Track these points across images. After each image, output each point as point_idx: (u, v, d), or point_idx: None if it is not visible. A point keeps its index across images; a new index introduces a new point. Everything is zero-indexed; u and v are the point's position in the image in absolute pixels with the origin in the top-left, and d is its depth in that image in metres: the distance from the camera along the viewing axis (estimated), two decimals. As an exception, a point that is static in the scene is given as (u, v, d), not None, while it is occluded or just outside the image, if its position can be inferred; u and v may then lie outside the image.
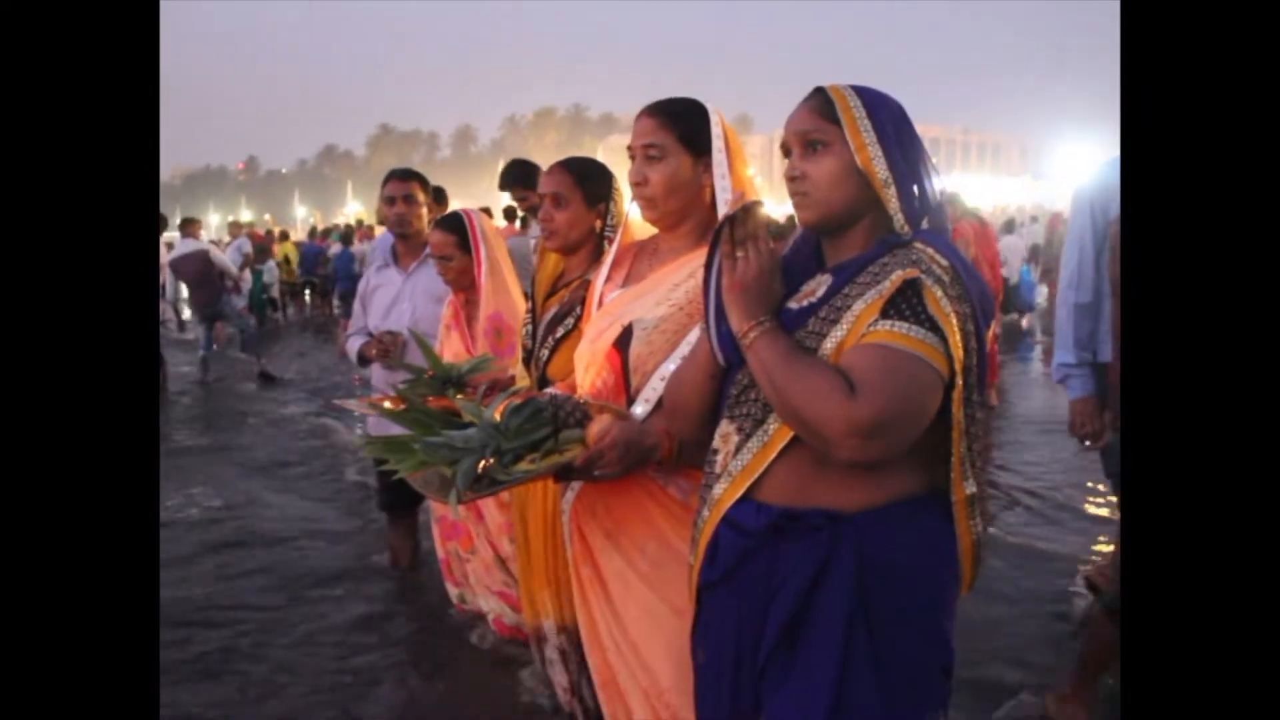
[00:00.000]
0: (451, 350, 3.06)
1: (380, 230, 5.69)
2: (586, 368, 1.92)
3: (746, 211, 1.41)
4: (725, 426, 1.48)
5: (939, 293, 1.31)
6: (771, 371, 1.34)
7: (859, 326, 1.33)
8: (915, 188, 1.40)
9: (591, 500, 1.86)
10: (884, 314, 1.32)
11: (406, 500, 3.71)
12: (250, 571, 4.10)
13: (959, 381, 1.31)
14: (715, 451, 1.49)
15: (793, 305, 1.43)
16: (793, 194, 1.43)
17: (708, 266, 1.47)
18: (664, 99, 1.87)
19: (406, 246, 3.61)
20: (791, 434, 1.37)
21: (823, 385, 1.28)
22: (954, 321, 1.30)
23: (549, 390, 1.96)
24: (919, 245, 1.38)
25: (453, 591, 3.24)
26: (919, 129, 1.44)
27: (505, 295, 2.98)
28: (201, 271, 9.28)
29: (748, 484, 1.42)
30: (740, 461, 1.43)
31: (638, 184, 1.84)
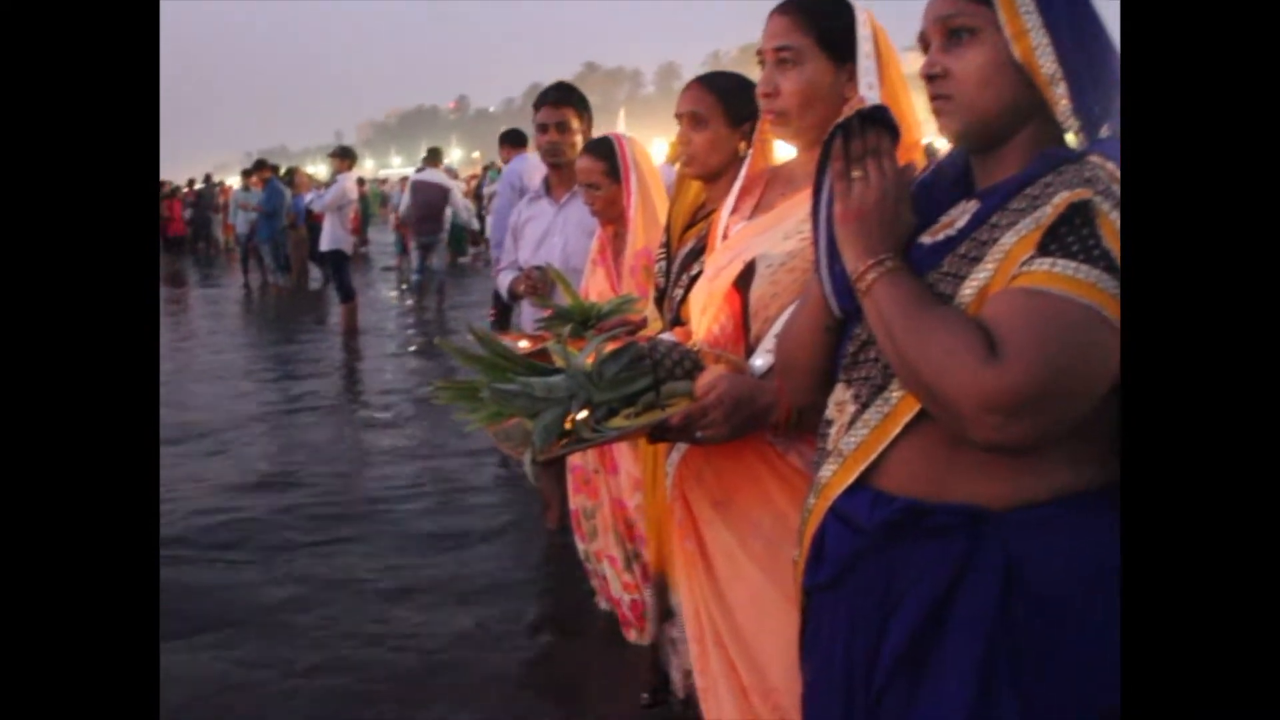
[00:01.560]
0: (596, 288, 2.96)
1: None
2: (702, 310, 1.77)
3: (866, 118, 1.18)
4: (840, 392, 1.28)
5: (1119, 221, 1.03)
6: (891, 324, 1.12)
7: (1009, 265, 1.08)
8: (1092, 85, 1.12)
9: (699, 464, 1.73)
10: (1042, 249, 1.06)
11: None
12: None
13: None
14: (828, 423, 1.30)
15: (926, 239, 1.19)
16: (932, 97, 1.19)
17: (816, 190, 1.25)
18: None
19: (559, 176, 3.55)
20: (919, 406, 1.15)
21: (953, 343, 1.05)
22: None
23: (653, 333, 1.80)
24: (1095, 159, 1.10)
25: (580, 548, 3.14)
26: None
27: (657, 230, 2.82)
28: (435, 203, 9.92)
29: (862, 467, 1.21)
30: (854, 438, 1.23)
31: (768, 94, 1.66)
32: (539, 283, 3.29)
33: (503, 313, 6.95)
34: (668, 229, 2.30)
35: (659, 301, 2.28)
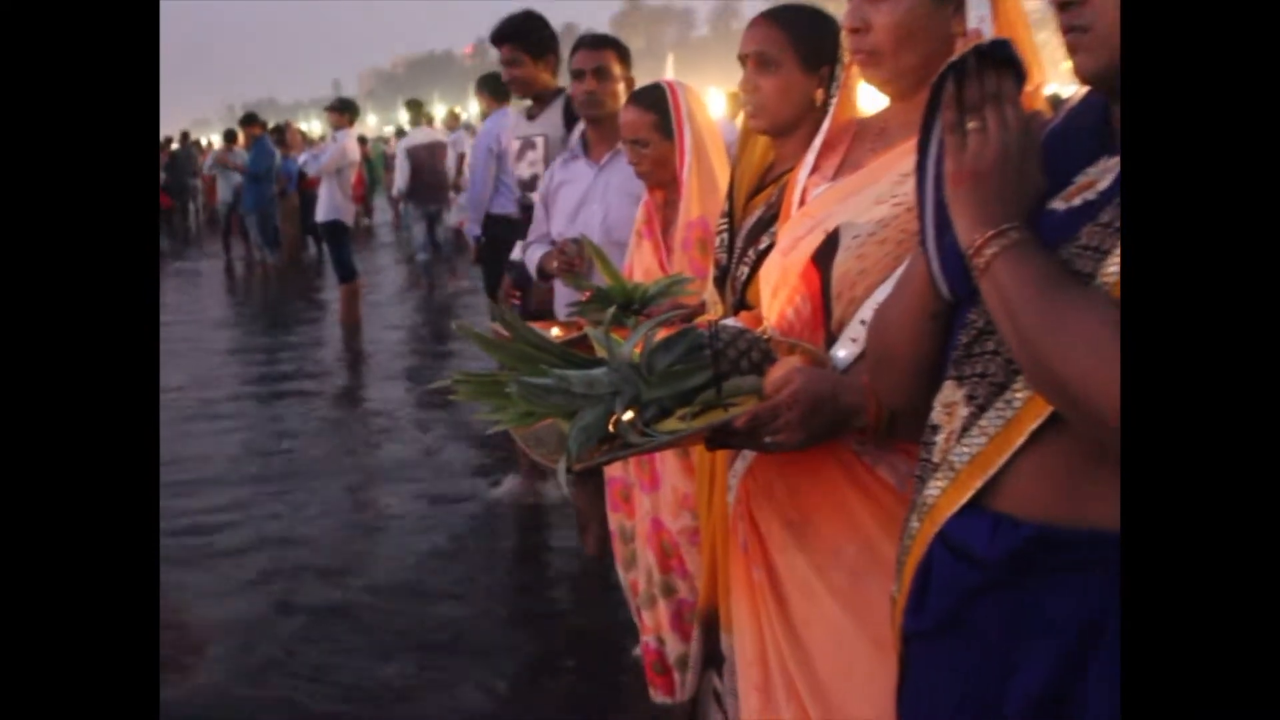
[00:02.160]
0: (642, 265, 2.98)
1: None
2: (774, 291, 1.79)
3: (983, 57, 1.17)
4: (950, 392, 1.28)
5: None
6: (1017, 310, 1.12)
7: None
8: None
9: (769, 478, 1.74)
10: None
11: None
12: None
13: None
14: (935, 429, 1.29)
15: (1059, 205, 1.18)
16: (1064, 29, 1.17)
17: (921, 145, 1.25)
18: None
19: (599, 132, 3.58)
20: (1050, 409, 1.15)
21: (1095, 333, 1.05)
22: None
23: (713, 319, 1.80)
24: None
25: (623, 578, 3.15)
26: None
27: (716, 196, 2.84)
28: (435, 167, 10.08)
29: (978, 484, 1.21)
30: (968, 449, 1.23)
31: (856, 30, 1.67)
32: (574, 258, 3.31)
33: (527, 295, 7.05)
34: (730, 195, 2.31)
35: (720, 281, 2.29)
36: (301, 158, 13.08)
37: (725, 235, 2.28)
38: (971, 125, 1.18)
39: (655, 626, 2.77)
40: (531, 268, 3.71)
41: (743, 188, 2.28)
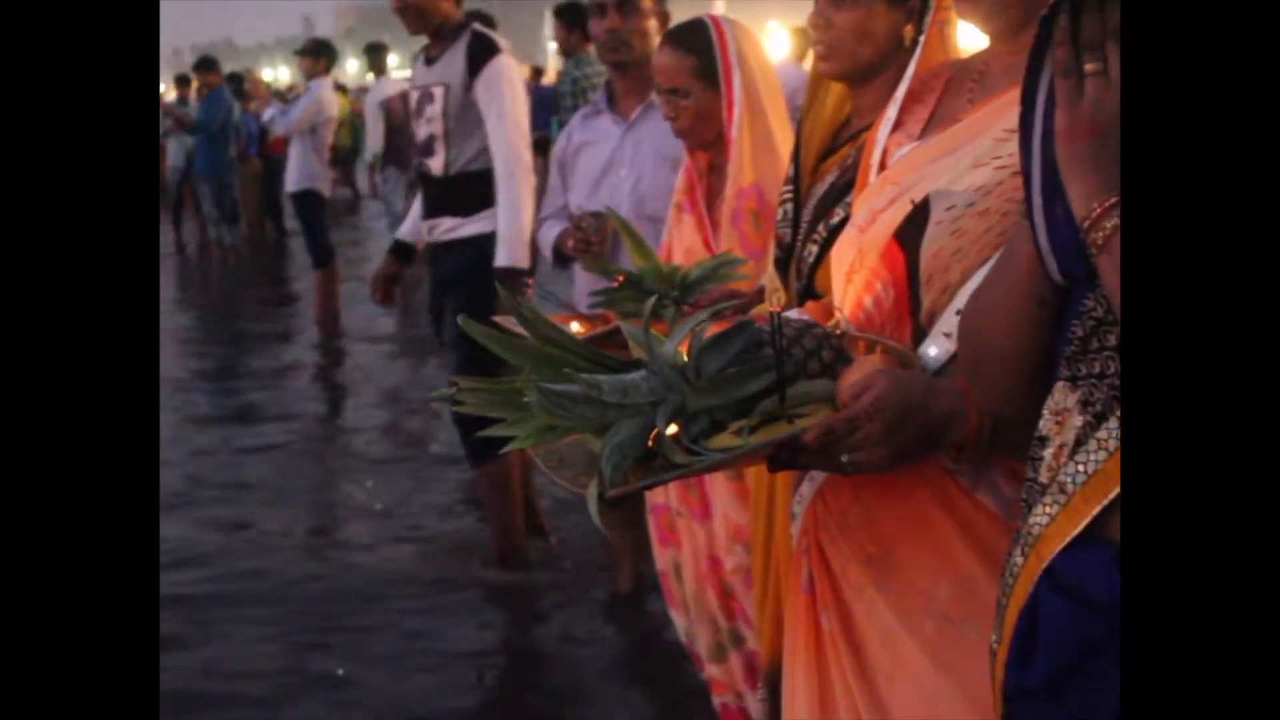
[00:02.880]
0: (683, 245, 3.02)
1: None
2: (850, 275, 1.81)
3: None
4: (1062, 396, 1.29)
5: None
6: None
7: None
8: None
9: (843, 504, 1.76)
10: None
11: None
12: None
13: None
14: (1043, 441, 1.31)
15: None
16: None
17: (1027, 95, 1.26)
18: None
19: (627, 82, 3.63)
20: None
21: None
22: None
23: (774, 310, 1.82)
24: None
25: (679, 623, 3.17)
26: None
27: (775, 159, 2.88)
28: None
29: (1096, 510, 1.23)
30: (1084, 466, 1.24)
31: None
32: (592, 236, 3.35)
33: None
34: (795, 157, 2.32)
35: (783, 264, 2.31)
36: (266, 113, 13.14)
37: (789, 207, 2.30)
38: (1090, 67, 1.18)
39: (730, 683, 2.80)
40: (546, 249, 3.75)
41: (811, 148, 2.30)
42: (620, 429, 1.53)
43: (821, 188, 2.22)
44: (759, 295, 2.48)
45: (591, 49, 7.02)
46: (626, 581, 4.12)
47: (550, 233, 3.69)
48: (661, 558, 3.14)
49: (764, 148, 2.88)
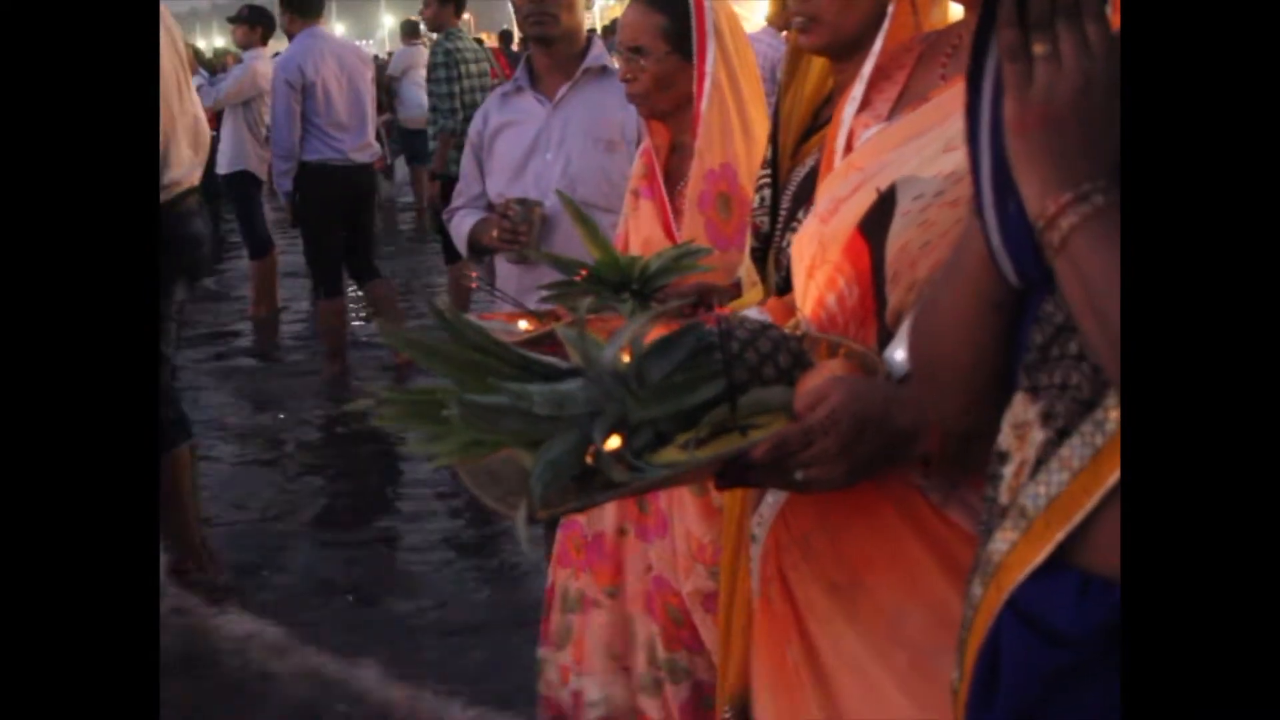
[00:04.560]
0: (641, 235, 3.01)
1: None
2: (811, 270, 1.82)
3: None
4: (1022, 409, 1.31)
5: None
6: (1103, 299, 1.13)
7: None
8: None
9: (806, 526, 1.77)
10: None
11: None
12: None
13: None
14: (1003, 457, 1.32)
15: None
16: None
17: (972, 80, 1.26)
18: None
19: (550, 59, 3.61)
20: None
21: None
22: None
23: (727, 311, 1.83)
24: None
25: (545, 657, 3.08)
26: None
27: (748, 140, 2.88)
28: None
29: (1060, 535, 1.24)
30: (1046, 487, 1.25)
31: None
32: (522, 225, 3.34)
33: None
34: (773, 137, 2.34)
35: (760, 255, 2.32)
36: (194, 84, 13.10)
37: (767, 193, 2.32)
38: (1039, 51, 1.19)
39: (665, 717, 2.79)
40: (460, 242, 3.74)
41: (791, 129, 2.32)
42: (554, 444, 1.54)
43: (802, 171, 2.24)
44: (736, 289, 2.49)
45: (460, 22, 7.77)
46: None
47: (465, 223, 3.67)
48: (554, 576, 3.07)
49: (736, 127, 2.87)
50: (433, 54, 7.83)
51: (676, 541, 2.74)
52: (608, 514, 2.90)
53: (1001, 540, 1.29)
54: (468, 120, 7.67)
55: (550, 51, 3.58)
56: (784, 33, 5.65)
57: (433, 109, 7.77)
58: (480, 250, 3.61)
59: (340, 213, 7.33)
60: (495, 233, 3.39)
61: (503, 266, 3.59)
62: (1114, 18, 1.30)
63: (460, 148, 7.72)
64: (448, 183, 7.54)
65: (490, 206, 3.60)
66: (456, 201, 3.81)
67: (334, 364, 7.46)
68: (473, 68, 7.63)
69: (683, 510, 2.73)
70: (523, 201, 3.38)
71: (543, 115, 3.58)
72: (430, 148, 7.99)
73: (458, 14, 7.74)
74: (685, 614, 2.74)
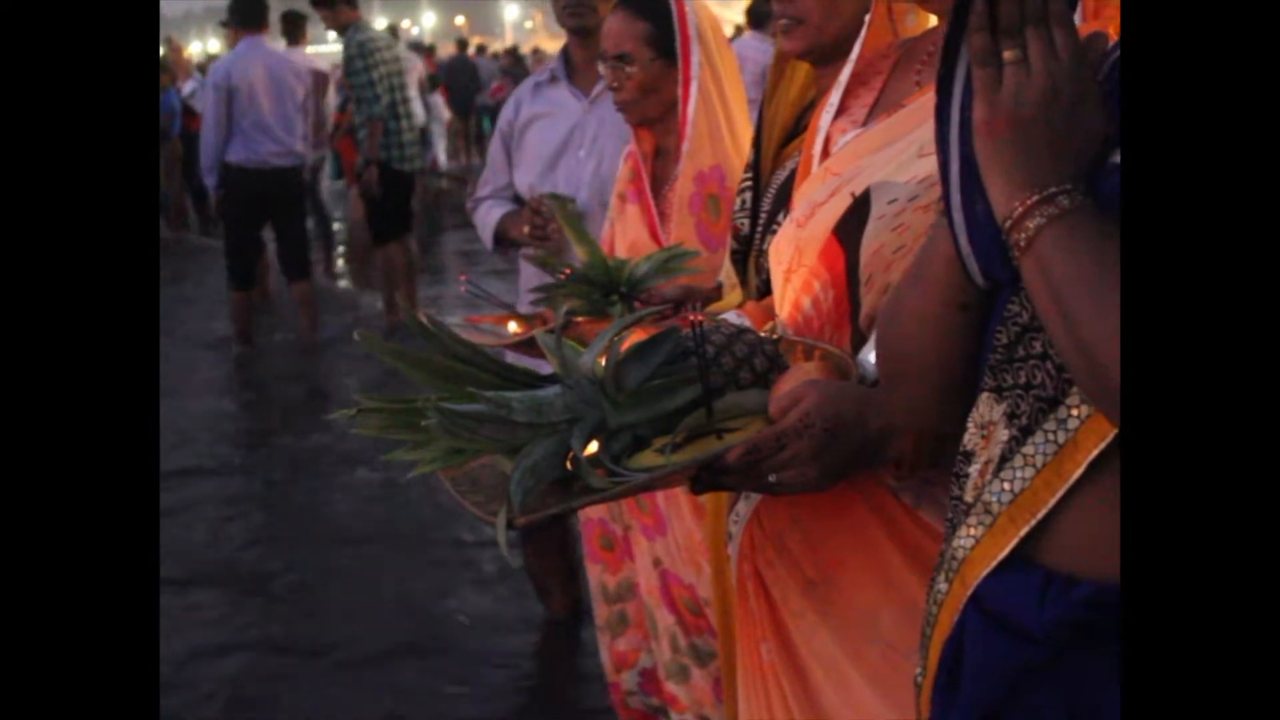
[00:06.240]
0: (626, 237, 3.00)
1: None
2: (788, 274, 1.82)
3: None
4: (986, 408, 1.32)
5: None
6: (1068, 299, 1.15)
7: None
8: None
9: (780, 527, 1.77)
10: None
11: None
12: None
13: None
14: (968, 456, 1.34)
15: None
16: None
17: (942, 84, 1.28)
18: None
19: (589, 50, 3.51)
20: (1115, 431, 1.18)
21: None
22: None
23: (701, 316, 1.84)
24: None
25: (603, 647, 3.20)
26: None
27: (732, 144, 2.89)
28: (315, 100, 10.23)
29: (1023, 532, 1.25)
30: (1009, 484, 1.26)
31: None
32: (551, 222, 3.27)
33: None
34: (756, 142, 2.33)
35: (739, 258, 2.32)
36: (187, 87, 13.02)
37: (748, 196, 2.31)
38: (1009, 56, 1.20)
39: (694, 702, 2.81)
40: (485, 234, 3.69)
41: (774, 132, 2.31)
42: (533, 450, 1.54)
43: (783, 175, 2.23)
44: (719, 292, 2.49)
45: (359, 16, 8.17)
46: (562, 606, 4.14)
47: (492, 215, 3.62)
48: (590, 574, 3.17)
49: (723, 129, 2.88)
50: (345, 49, 8.15)
51: (678, 538, 2.76)
52: (622, 510, 2.94)
53: (966, 536, 1.30)
54: (391, 105, 7.99)
55: (588, 43, 3.47)
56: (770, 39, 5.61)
57: (358, 100, 8.15)
58: (506, 243, 3.57)
59: (258, 212, 7.98)
60: (526, 229, 3.33)
61: (525, 267, 3.53)
62: (1114, 26, 1.33)
63: (388, 132, 7.98)
64: (384, 169, 8.01)
65: (516, 198, 3.56)
66: (482, 190, 3.75)
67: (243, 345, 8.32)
68: (386, 54, 8.06)
69: (679, 510, 2.74)
70: (556, 197, 3.30)
71: (577, 111, 3.52)
72: (360, 136, 8.35)
73: (352, 7, 8.11)
74: (699, 603, 2.75)
